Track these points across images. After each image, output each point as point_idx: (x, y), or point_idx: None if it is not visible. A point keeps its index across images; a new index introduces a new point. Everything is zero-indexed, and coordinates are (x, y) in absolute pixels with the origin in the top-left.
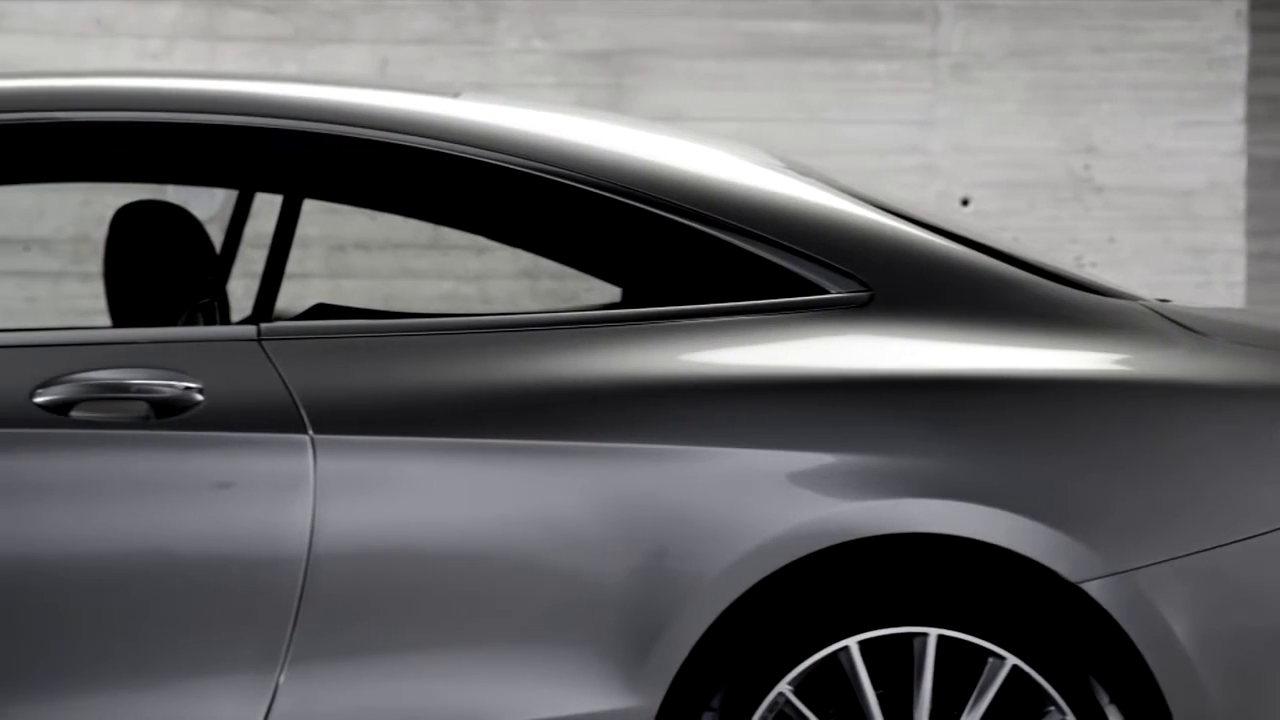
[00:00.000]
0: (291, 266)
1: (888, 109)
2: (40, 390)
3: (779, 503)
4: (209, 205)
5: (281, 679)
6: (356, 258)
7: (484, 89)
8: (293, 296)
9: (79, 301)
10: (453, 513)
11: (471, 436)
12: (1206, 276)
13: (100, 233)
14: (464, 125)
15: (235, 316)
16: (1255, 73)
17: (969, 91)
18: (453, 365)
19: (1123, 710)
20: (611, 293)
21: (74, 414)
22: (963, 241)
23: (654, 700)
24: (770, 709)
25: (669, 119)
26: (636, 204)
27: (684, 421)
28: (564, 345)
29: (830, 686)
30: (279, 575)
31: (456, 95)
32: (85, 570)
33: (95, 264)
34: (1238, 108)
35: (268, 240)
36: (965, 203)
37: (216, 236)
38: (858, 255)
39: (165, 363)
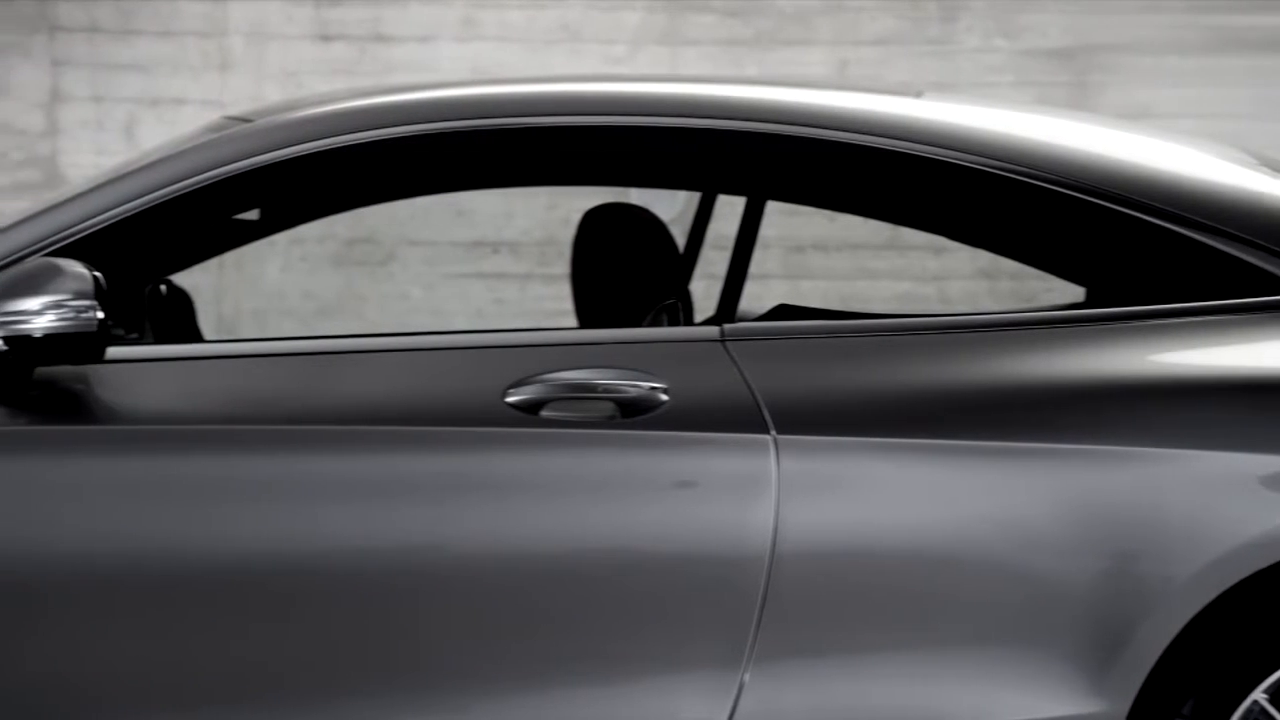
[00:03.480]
0: (750, 267)
1: None
2: (511, 390)
3: (1250, 507)
4: (671, 207)
5: (746, 677)
6: (814, 258)
7: (944, 89)
8: (751, 298)
9: (545, 303)
10: (914, 514)
11: (934, 437)
12: None
13: (565, 235)
14: (928, 125)
15: (698, 317)
16: None
17: None
18: (915, 366)
19: None
20: (1072, 292)
21: (543, 413)
22: None
23: (1123, 705)
24: (1245, 717)
25: (1134, 117)
26: (1106, 203)
27: (1154, 424)
28: (1028, 346)
29: None
30: (742, 574)
31: (918, 95)
32: (552, 567)
33: (560, 266)
34: None
35: (726, 242)
36: None
37: (678, 238)
38: None
39: (631, 363)
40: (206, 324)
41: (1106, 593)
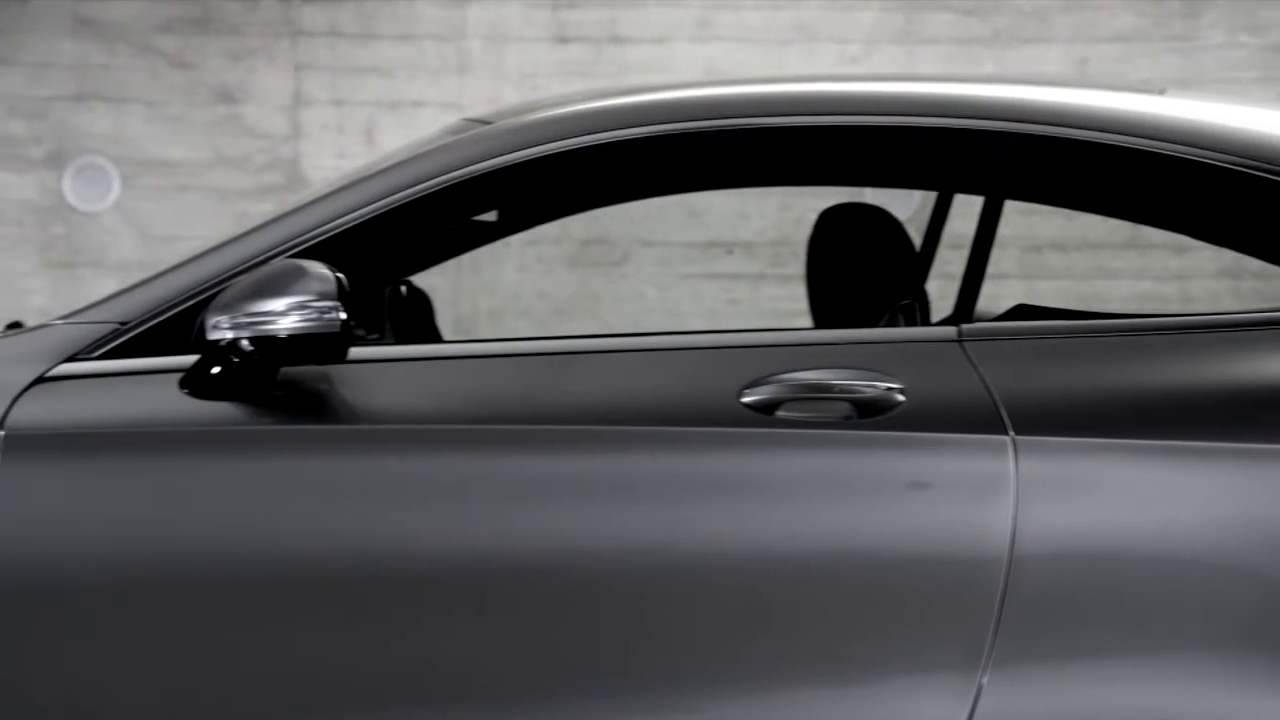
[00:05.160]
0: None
1: None
2: (747, 390)
3: None
4: (906, 206)
5: (984, 680)
6: (1052, 258)
7: (1186, 85)
8: (987, 298)
9: (779, 303)
10: (1155, 515)
11: (1175, 438)
12: None
13: (799, 235)
14: (1172, 123)
15: (934, 317)
16: None
17: None
18: (1156, 366)
19: None
20: None
21: (779, 413)
22: None
23: None
24: None
25: None
26: None
27: None
28: (1272, 346)
29: None
30: (980, 576)
31: (1161, 93)
32: (786, 567)
33: (795, 266)
34: None
35: (961, 241)
36: None
37: (914, 237)
38: None
39: (867, 363)
40: (444, 324)
41: None
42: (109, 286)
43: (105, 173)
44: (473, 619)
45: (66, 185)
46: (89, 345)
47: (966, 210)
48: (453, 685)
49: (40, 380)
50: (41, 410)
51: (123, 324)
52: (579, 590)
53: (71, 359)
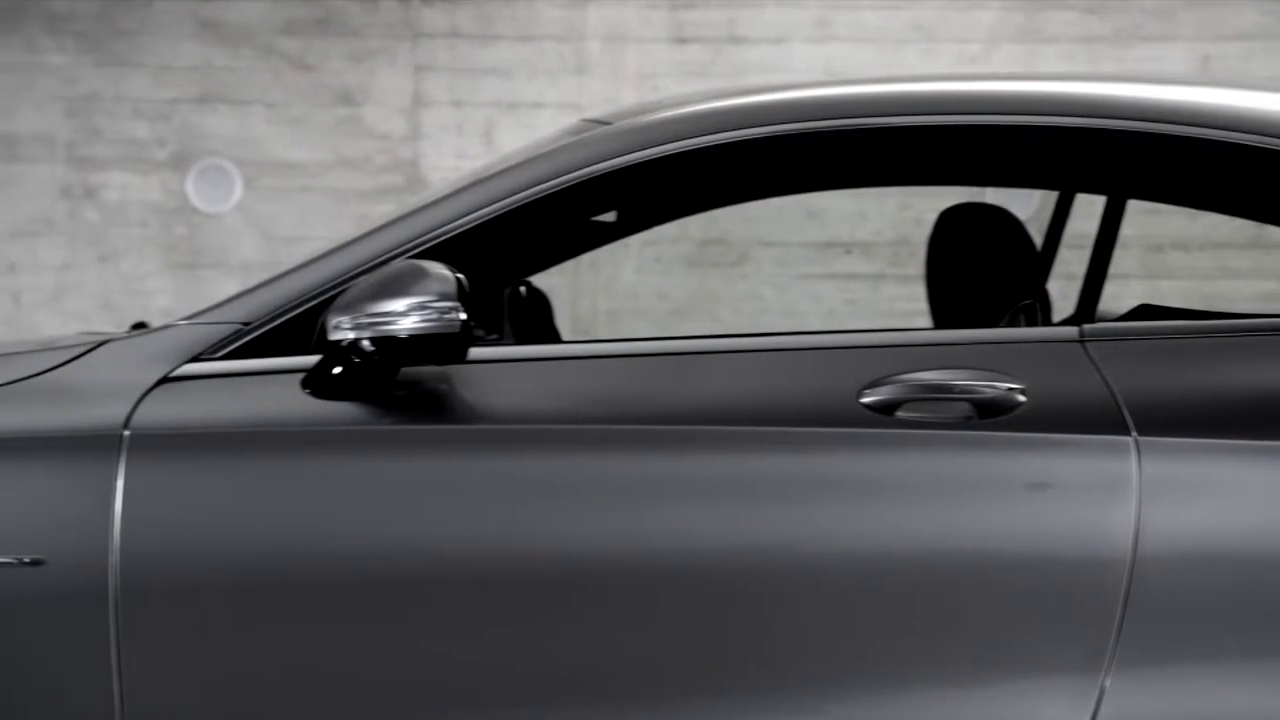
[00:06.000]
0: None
1: None
2: (867, 391)
3: None
4: (1027, 205)
5: (1107, 683)
6: (1174, 258)
7: None
8: (1108, 298)
9: (897, 304)
10: (1278, 517)
11: None
12: None
13: (918, 235)
14: None
15: (1055, 318)
16: None
17: None
18: None
19: None
20: None
21: (899, 414)
22: None
23: None
24: None
25: None
26: None
27: None
28: None
29: None
30: (1102, 578)
31: None
32: (906, 567)
33: (914, 266)
34: None
35: (1082, 241)
36: None
37: (1035, 237)
38: None
39: (988, 363)
40: (563, 324)
41: None
42: (231, 287)
43: (228, 174)
44: (594, 618)
45: (189, 187)
46: (212, 345)
47: (1088, 210)
48: (578, 683)
49: (164, 380)
50: (166, 410)
51: (245, 324)
52: (697, 590)
53: (195, 359)
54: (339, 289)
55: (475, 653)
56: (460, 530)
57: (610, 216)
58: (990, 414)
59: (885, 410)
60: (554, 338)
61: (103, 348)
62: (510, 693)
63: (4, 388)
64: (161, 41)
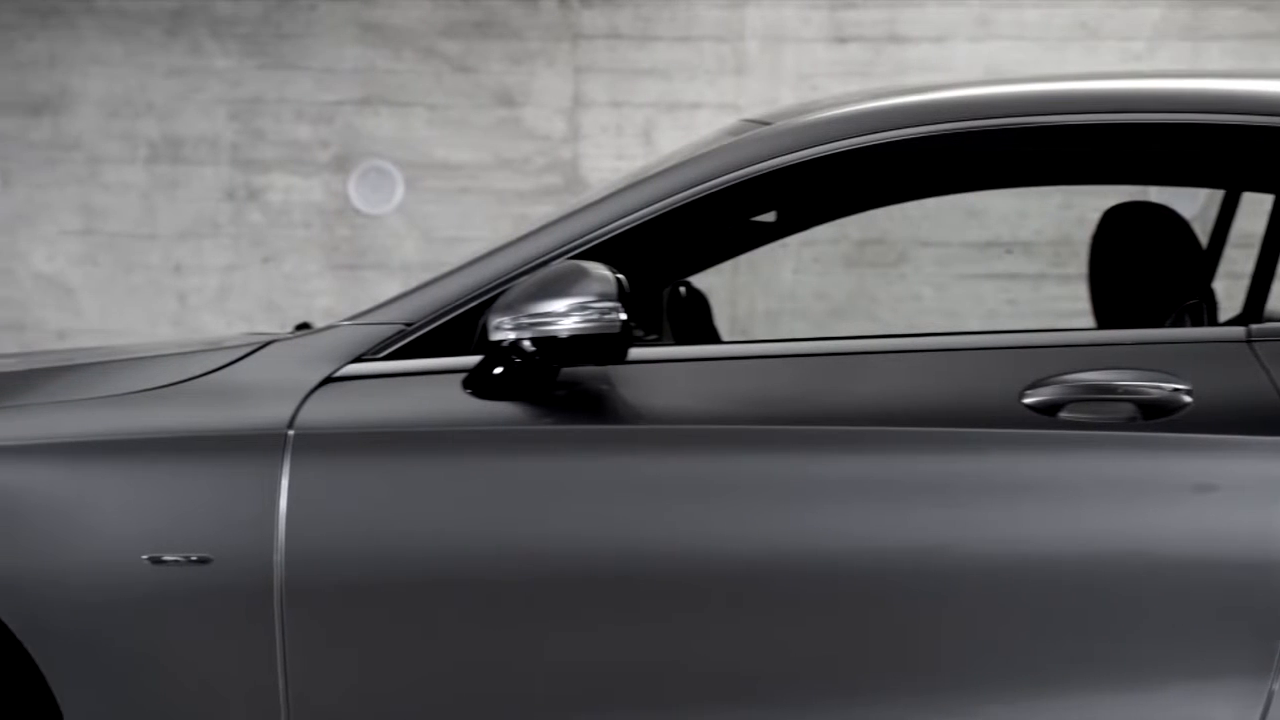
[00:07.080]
0: (1278, 266)
1: None
2: (1029, 391)
3: None
4: (1192, 204)
5: (1276, 686)
6: None
7: None
8: (1277, 297)
9: (1059, 304)
10: None
11: None
12: None
13: (1080, 234)
14: None
15: (1222, 317)
16: None
17: None
18: None
19: None
20: None
21: (1062, 415)
22: None
23: None
24: None
25: None
26: None
27: None
28: None
29: None
30: (1269, 580)
31: None
32: (1067, 568)
33: (1075, 266)
34: None
35: (1248, 239)
36: None
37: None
38: None
39: (1152, 364)
40: (722, 325)
41: None
42: (393, 288)
43: (389, 176)
44: (754, 618)
45: (351, 188)
46: (375, 346)
47: (1254, 208)
48: (730, 685)
49: (328, 380)
50: (330, 410)
51: (408, 325)
52: (860, 590)
53: (358, 359)
54: (500, 290)
55: (638, 651)
56: (620, 529)
57: (769, 217)
58: (1155, 415)
59: (1048, 411)
60: (713, 338)
61: (268, 348)
62: (670, 692)
63: (172, 387)
64: (324, 45)
